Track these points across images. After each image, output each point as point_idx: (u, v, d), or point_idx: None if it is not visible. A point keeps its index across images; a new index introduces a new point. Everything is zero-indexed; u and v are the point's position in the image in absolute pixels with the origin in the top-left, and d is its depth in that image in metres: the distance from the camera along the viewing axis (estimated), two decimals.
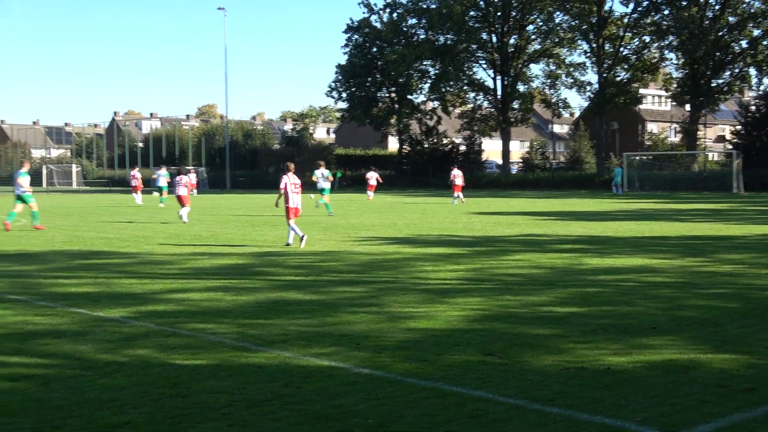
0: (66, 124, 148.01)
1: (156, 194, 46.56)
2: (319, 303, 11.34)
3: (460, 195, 43.71)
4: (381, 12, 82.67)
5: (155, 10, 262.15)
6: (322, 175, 34.79)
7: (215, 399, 6.74)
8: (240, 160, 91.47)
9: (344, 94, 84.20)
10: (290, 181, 19.93)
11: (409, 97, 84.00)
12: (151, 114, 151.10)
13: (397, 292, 12.33)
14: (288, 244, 19.61)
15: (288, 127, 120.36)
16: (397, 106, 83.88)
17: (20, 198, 25.88)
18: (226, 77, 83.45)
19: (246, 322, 10.01)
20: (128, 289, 12.76)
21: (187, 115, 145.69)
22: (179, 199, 30.00)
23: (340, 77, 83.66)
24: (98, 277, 14.19)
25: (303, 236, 19.51)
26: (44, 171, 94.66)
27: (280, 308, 10.95)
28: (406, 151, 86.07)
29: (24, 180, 25.85)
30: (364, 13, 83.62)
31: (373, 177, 47.43)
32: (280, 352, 8.36)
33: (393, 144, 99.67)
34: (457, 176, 43.74)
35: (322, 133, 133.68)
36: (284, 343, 8.81)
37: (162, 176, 45.38)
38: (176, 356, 8.25)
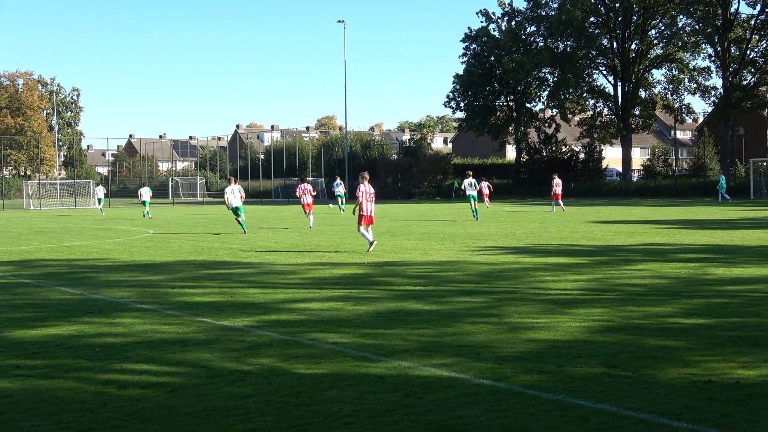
0: (191, 138, 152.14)
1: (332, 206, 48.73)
2: (439, 313, 11.34)
3: (561, 203, 44.17)
4: (499, 20, 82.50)
5: (276, 24, 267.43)
6: (469, 184, 37.61)
7: (338, 408, 6.82)
8: (359, 170, 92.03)
9: (462, 104, 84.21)
10: (366, 190, 20.89)
11: (527, 105, 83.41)
12: (272, 126, 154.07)
13: (517, 302, 12.24)
14: (369, 251, 20.52)
15: (406, 137, 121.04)
16: (515, 114, 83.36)
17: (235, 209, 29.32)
18: (345, 89, 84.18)
19: (366, 331, 10.09)
20: (251, 299, 13.02)
21: (307, 127, 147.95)
22: (308, 206, 32.66)
23: (457, 87, 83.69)
24: (223, 287, 14.52)
25: (372, 242, 20.76)
26: (170, 183, 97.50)
27: (400, 318, 10.99)
28: (524, 160, 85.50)
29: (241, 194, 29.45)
30: (482, 22, 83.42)
31: (485, 186, 47.92)
32: (401, 362, 8.39)
33: (511, 153, 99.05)
34: (558, 185, 44.31)
35: (439, 143, 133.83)
36: (404, 353, 8.84)
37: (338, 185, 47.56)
38: (299, 365, 8.37)
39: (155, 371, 8.28)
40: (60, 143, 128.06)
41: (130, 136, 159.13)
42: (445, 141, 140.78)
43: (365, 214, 20.79)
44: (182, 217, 46.90)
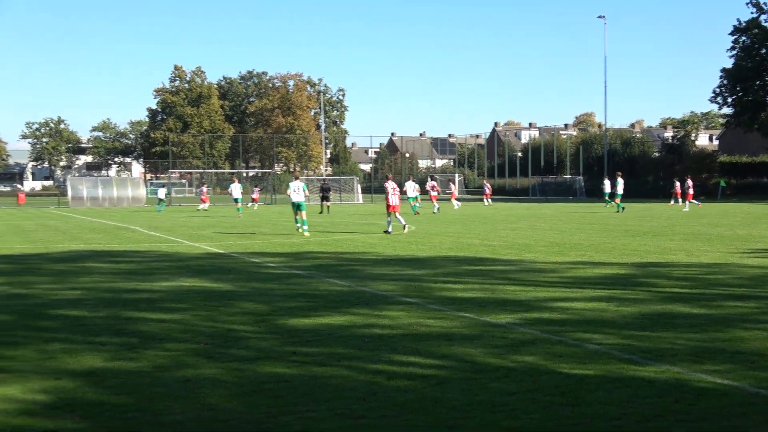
0: (449, 136, 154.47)
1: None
2: (708, 317, 10.89)
3: (687, 202, 51.43)
4: None
5: (534, 21, 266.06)
6: (611, 185, 48.78)
7: (605, 410, 6.70)
8: (617, 168, 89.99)
9: (730, 99, 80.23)
10: (393, 186, 27.98)
11: None
12: (530, 124, 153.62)
13: None
14: (387, 232, 27.63)
15: (668, 134, 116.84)
16: None
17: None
18: (605, 85, 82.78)
19: (631, 333, 9.85)
20: (513, 296, 13.05)
21: (565, 124, 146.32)
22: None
23: (725, 81, 79.82)
24: (484, 283, 14.64)
25: (387, 230, 28.02)
26: (428, 180, 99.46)
27: (667, 321, 10.65)
28: None
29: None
30: (752, 13, 78.93)
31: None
32: (669, 367, 8.14)
33: None
34: (690, 186, 51.99)
35: (704, 140, 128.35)
36: (673, 357, 8.57)
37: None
38: (563, 365, 8.30)
39: (421, 363, 8.48)
40: (326, 141, 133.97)
41: (392, 134, 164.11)
42: (710, 138, 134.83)
43: (392, 203, 27.62)
44: (441, 214, 47.67)
